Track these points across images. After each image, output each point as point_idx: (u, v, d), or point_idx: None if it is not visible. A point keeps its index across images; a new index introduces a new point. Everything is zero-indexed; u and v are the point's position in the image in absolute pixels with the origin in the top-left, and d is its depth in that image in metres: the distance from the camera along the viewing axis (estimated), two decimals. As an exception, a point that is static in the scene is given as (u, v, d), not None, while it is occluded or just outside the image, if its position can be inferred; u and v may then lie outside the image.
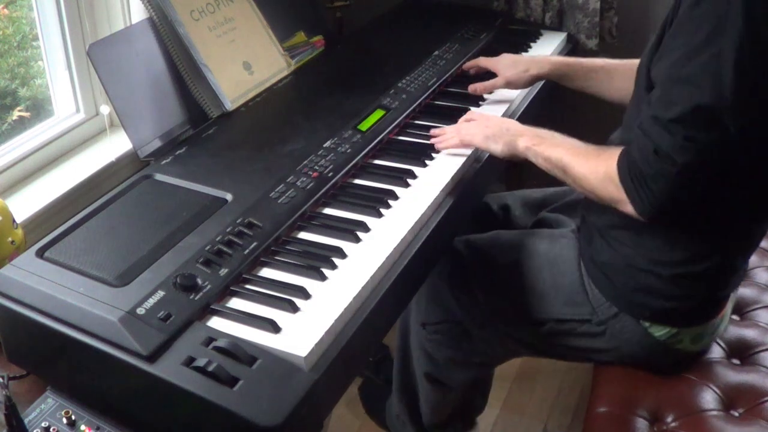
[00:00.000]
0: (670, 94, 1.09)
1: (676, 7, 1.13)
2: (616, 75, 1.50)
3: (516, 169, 2.26)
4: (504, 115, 1.61)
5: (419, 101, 1.60)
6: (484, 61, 1.71)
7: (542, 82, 1.72)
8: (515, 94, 1.67)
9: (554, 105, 1.93)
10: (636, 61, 1.30)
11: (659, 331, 1.29)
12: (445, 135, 1.46)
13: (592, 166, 1.22)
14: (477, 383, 1.76)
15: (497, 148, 1.38)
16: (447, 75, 1.72)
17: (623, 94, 1.39)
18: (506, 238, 1.49)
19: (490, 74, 1.67)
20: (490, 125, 1.41)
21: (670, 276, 1.25)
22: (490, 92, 1.66)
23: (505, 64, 1.65)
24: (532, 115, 1.71)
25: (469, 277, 1.46)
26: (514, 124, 1.41)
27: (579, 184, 1.25)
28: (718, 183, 1.13)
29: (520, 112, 1.66)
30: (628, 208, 1.16)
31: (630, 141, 1.20)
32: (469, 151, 1.44)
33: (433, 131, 1.49)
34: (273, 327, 1.01)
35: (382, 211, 1.27)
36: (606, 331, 1.32)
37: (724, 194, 1.16)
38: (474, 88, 1.65)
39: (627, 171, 1.14)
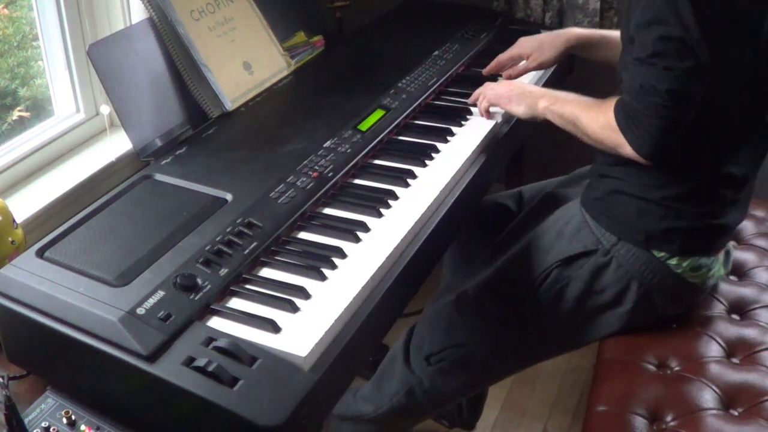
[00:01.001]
0: (642, 36, 1.20)
1: None
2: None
3: (516, 170, 2.26)
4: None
5: (419, 101, 1.60)
6: (506, 55, 1.71)
7: (544, 79, 1.76)
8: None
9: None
10: None
11: (660, 253, 1.34)
12: (472, 97, 1.58)
13: (595, 116, 1.31)
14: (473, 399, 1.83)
15: (519, 109, 1.47)
16: (447, 75, 1.72)
17: None
18: (510, 254, 1.50)
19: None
20: (513, 88, 1.51)
21: (660, 198, 1.32)
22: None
23: (531, 46, 1.67)
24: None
25: (478, 299, 1.49)
26: (535, 88, 1.52)
27: (587, 134, 1.34)
28: (704, 113, 1.21)
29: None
30: (628, 149, 1.24)
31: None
32: (469, 151, 1.45)
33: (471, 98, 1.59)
34: (273, 327, 1.01)
35: (382, 211, 1.27)
36: (612, 259, 1.36)
37: (707, 124, 1.24)
38: (508, 74, 1.69)
39: (621, 113, 1.24)
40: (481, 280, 1.50)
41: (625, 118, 1.23)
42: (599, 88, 1.42)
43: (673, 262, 1.34)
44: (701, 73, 1.18)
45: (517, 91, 1.48)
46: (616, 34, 1.58)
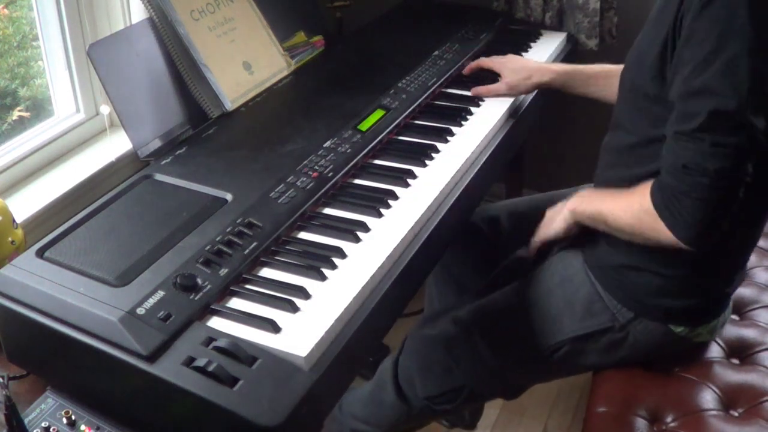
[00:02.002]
0: (688, 107, 1.08)
1: (676, 24, 1.12)
2: (615, 79, 1.50)
3: (516, 170, 2.26)
4: (511, 107, 1.63)
5: (419, 101, 1.60)
6: (488, 62, 1.71)
7: None
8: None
9: (556, 103, 1.93)
10: None
11: (679, 328, 1.30)
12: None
13: (626, 205, 1.19)
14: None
15: (559, 228, 1.38)
16: (447, 75, 1.72)
17: None
18: (494, 297, 1.47)
19: (493, 74, 1.68)
20: (551, 216, 1.42)
21: (679, 276, 1.25)
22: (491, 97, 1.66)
23: (510, 68, 1.65)
24: (534, 110, 1.72)
25: (468, 340, 1.43)
26: (562, 202, 1.40)
27: (619, 228, 1.22)
28: (752, 188, 1.10)
29: (522, 109, 1.67)
30: (668, 236, 1.12)
31: (619, 142, 1.21)
32: (469, 151, 1.45)
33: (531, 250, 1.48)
34: (273, 327, 1.01)
35: (382, 211, 1.27)
36: (629, 335, 1.31)
37: (751, 196, 1.13)
38: (477, 91, 1.65)
39: (660, 195, 1.12)
40: (473, 325, 1.43)
41: (665, 201, 1.11)
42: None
43: (692, 333, 1.31)
44: (754, 149, 1.07)
45: (551, 214, 1.41)
46: (596, 69, 1.57)
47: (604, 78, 1.54)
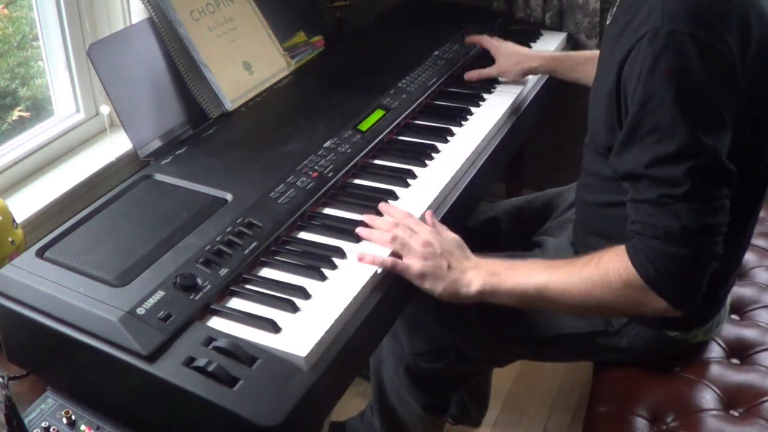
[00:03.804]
0: (669, 172, 1.02)
1: (619, 83, 1.09)
2: None
3: (516, 170, 2.26)
4: (511, 106, 1.63)
5: (419, 101, 1.60)
6: (487, 42, 1.79)
7: (544, 79, 1.78)
8: (518, 89, 1.69)
9: (556, 103, 1.93)
10: None
11: (673, 332, 1.30)
12: (376, 237, 1.19)
13: (596, 280, 1.08)
14: (475, 394, 1.80)
15: (435, 291, 1.15)
16: (447, 75, 1.72)
17: None
18: None
19: (490, 62, 1.75)
20: (428, 255, 1.15)
21: None
22: (483, 80, 1.73)
23: (504, 53, 1.74)
24: (534, 110, 1.72)
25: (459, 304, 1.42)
26: (457, 260, 1.16)
27: (581, 305, 1.11)
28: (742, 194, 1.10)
29: (522, 109, 1.67)
30: (657, 305, 1.06)
31: (596, 149, 1.20)
32: (469, 151, 1.45)
33: (361, 231, 1.20)
34: (273, 327, 1.01)
35: (383, 211, 1.26)
36: (623, 338, 1.31)
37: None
38: (470, 76, 1.72)
39: (651, 266, 1.04)
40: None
41: (656, 271, 1.03)
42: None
43: (687, 336, 1.31)
44: (734, 187, 1.05)
45: (431, 264, 1.14)
46: (583, 55, 1.64)
47: (591, 65, 1.54)
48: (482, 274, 1.15)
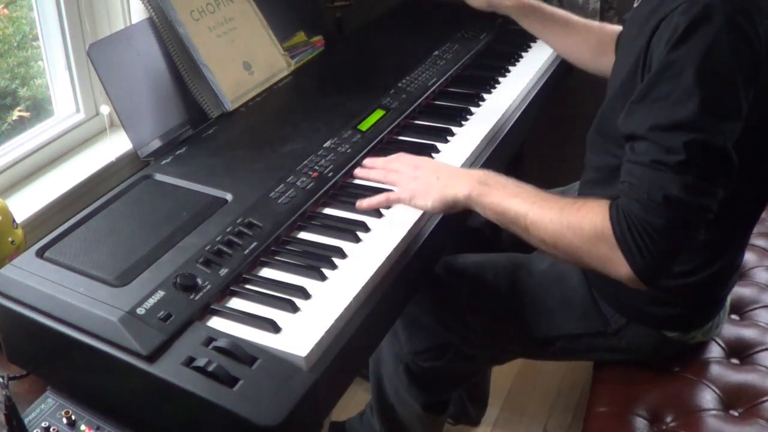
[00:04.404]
0: (667, 140, 1.01)
1: (646, 55, 1.09)
2: (572, 33, 1.48)
3: (516, 170, 2.26)
4: (512, 106, 1.63)
5: (419, 101, 1.60)
6: None
7: (544, 79, 1.75)
8: (519, 90, 1.69)
9: (556, 103, 1.93)
10: (595, 25, 1.31)
11: (672, 333, 1.30)
12: (373, 174, 1.27)
13: (570, 221, 1.06)
14: (475, 393, 1.80)
15: (426, 204, 1.19)
16: (447, 75, 1.72)
17: (575, 53, 1.35)
18: (494, 260, 1.45)
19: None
20: (419, 176, 1.21)
21: (674, 286, 1.24)
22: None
23: None
24: (535, 109, 1.72)
25: (456, 301, 1.42)
26: (447, 169, 1.22)
27: (551, 243, 1.09)
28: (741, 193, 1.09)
29: (522, 110, 1.67)
30: (619, 269, 1.03)
31: (604, 141, 1.19)
32: (469, 151, 1.44)
33: (358, 171, 1.30)
34: (273, 327, 1.01)
35: (383, 211, 1.26)
36: (622, 339, 1.32)
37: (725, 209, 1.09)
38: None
39: (625, 226, 1.01)
40: (463, 296, 1.41)
41: (631, 234, 1.01)
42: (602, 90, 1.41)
43: (686, 337, 1.31)
44: (733, 182, 1.03)
45: (422, 181, 1.19)
46: (559, 14, 1.57)
47: (563, 26, 1.54)
48: (473, 181, 1.16)
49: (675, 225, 1.00)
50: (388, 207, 1.24)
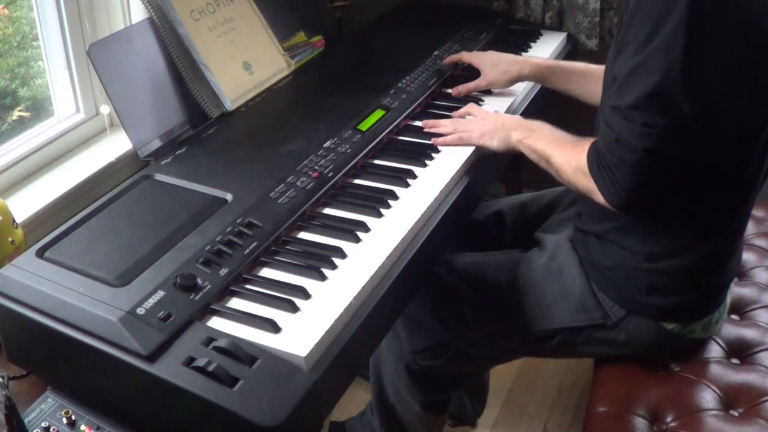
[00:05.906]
0: (626, 83, 1.12)
1: (624, 4, 1.16)
2: (593, 79, 1.51)
3: (515, 170, 2.25)
4: (511, 106, 1.63)
5: (419, 101, 1.60)
6: (468, 56, 1.71)
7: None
8: (517, 91, 1.68)
9: (554, 103, 1.93)
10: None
11: (671, 325, 1.30)
12: (443, 128, 1.48)
13: (568, 157, 1.26)
14: (474, 391, 1.80)
15: (493, 143, 1.41)
16: (447, 75, 1.72)
17: (600, 97, 1.39)
18: (493, 258, 1.47)
19: (476, 73, 1.68)
20: (487, 122, 1.44)
21: (666, 271, 1.26)
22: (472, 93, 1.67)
23: (488, 63, 1.66)
24: (531, 112, 1.71)
25: (456, 300, 1.43)
26: (509, 119, 1.45)
27: (559, 175, 1.29)
28: (683, 170, 1.16)
29: (521, 111, 1.67)
30: (599, 197, 1.19)
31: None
32: (469, 151, 1.45)
33: (427, 122, 1.51)
34: (273, 327, 1.01)
35: (382, 211, 1.27)
36: (621, 332, 1.32)
37: (692, 182, 1.19)
38: (457, 91, 1.66)
39: (594, 161, 1.18)
40: (462, 293, 1.43)
41: (598, 167, 1.17)
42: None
43: (685, 330, 1.32)
44: (682, 130, 1.10)
45: (491, 126, 1.42)
46: (577, 66, 1.59)
47: (584, 77, 1.55)
48: (523, 127, 1.39)
49: (627, 162, 1.12)
50: (458, 145, 1.44)
